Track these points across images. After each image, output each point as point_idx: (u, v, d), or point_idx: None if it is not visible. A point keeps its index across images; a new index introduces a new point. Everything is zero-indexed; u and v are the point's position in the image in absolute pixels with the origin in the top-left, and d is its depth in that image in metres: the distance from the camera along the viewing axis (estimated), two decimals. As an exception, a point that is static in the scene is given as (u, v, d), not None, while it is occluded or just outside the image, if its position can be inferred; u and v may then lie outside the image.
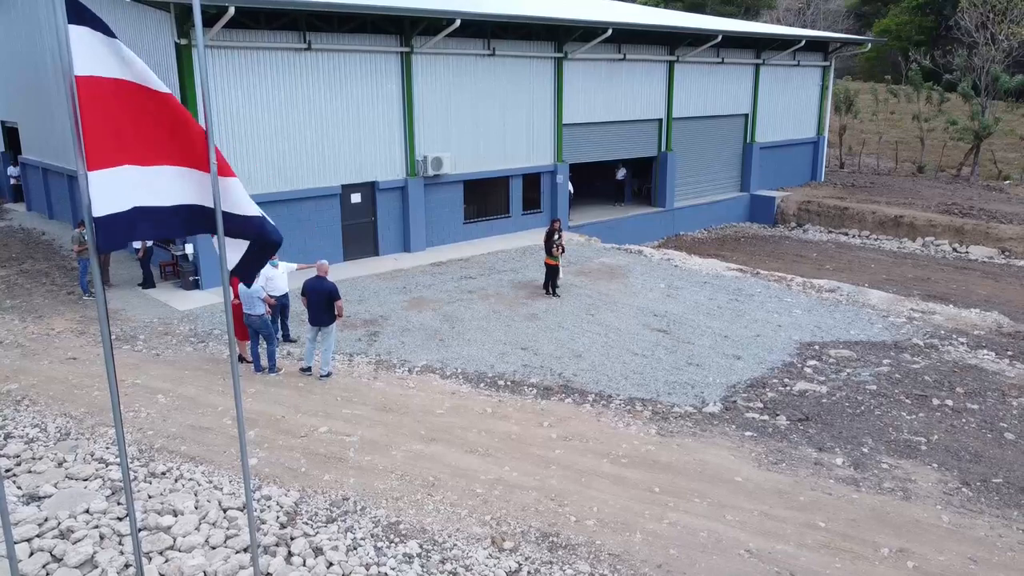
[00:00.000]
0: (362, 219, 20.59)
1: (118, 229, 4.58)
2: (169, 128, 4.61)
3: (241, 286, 12.56)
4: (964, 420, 11.68)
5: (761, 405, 12.14)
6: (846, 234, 29.08)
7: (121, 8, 17.97)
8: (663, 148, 28.07)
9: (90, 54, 4.27)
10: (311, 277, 12.67)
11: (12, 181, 29.60)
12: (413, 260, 20.64)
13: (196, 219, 4.98)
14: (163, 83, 4.77)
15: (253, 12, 17.24)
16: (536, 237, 23.36)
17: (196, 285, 17.82)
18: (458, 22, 19.73)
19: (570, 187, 25.43)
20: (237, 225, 5.12)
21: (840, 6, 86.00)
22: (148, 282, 18.10)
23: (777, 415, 11.74)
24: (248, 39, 17.61)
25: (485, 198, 23.32)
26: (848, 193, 32.39)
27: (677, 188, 28.85)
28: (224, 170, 5.10)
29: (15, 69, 26.01)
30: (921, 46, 70.99)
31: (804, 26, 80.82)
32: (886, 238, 28.22)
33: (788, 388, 12.78)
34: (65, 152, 23.75)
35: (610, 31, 23.35)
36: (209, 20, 16.54)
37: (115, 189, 4.49)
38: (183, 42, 16.57)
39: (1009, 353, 14.77)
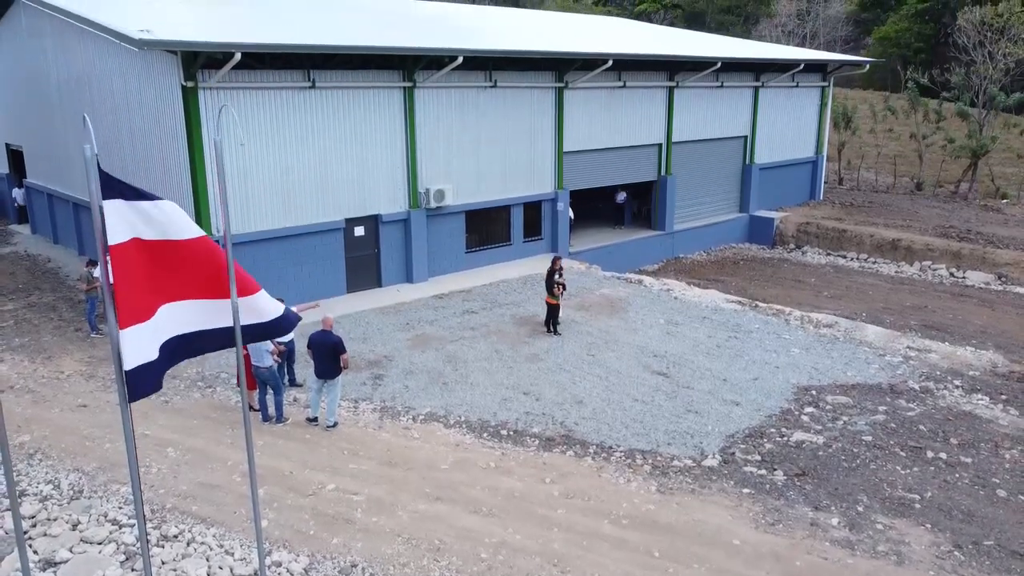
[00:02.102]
0: (365, 251, 20.83)
1: (147, 378, 4.84)
2: (191, 268, 4.93)
3: (249, 337, 12.80)
4: (957, 475, 11.93)
5: (759, 458, 12.39)
6: (844, 257, 29.34)
7: (128, 52, 18.17)
8: (663, 172, 28.32)
9: (120, 223, 4.52)
10: (316, 331, 12.92)
11: (17, 203, 29.81)
12: (415, 292, 20.87)
13: (219, 338, 5.36)
14: (186, 227, 5.05)
15: (259, 54, 17.46)
16: (537, 264, 23.63)
17: (202, 321, 18.03)
18: (460, 59, 19.97)
19: (570, 213, 25.66)
20: (261, 331, 5.71)
21: (840, 12, 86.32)
22: (154, 318, 18.32)
23: (775, 469, 11.99)
24: (253, 79, 17.83)
25: (487, 227, 23.56)
26: (846, 213, 32.63)
27: (677, 211, 29.09)
28: (246, 288, 5.56)
29: (20, 94, 26.26)
30: (920, 53, 71.36)
31: (804, 32, 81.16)
32: (884, 261, 28.46)
33: (785, 439, 13.03)
34: (70, 180, 24.00)
35: (610, 62, 23.58)
36: (216, 63, 16.79)
37: (143, 342, 4.75)
38: (189, 85, 16.79)
39: (1003, 397, 15.03)
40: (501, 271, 23.04)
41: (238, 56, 16.37)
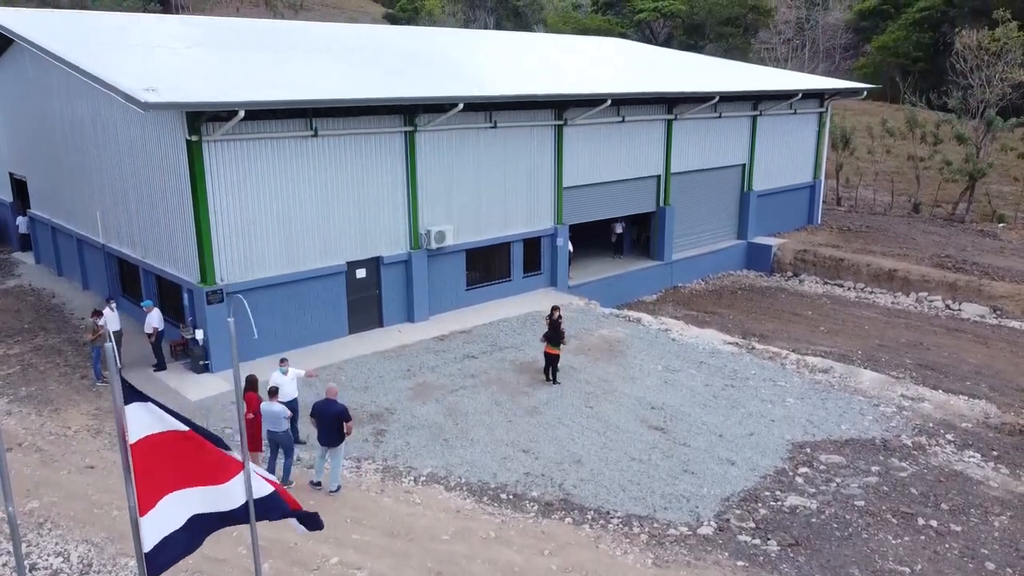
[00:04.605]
0: (367, 293, 21.07)
1: (166, 556, 5.13)
2: (198, 456, 5.21)
3: (265, 405, 13.14)
4: (947, 545, 12.20)
5: (753, 525, 12.65)
6: (841, 286, 29.59)
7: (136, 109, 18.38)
8: (661, 203, 28.57)
9: (140, 423, 4.80)
10: (320, 400, 13.17)
11: (20, 231, 30.07)
12: (416, 332, 21.12)
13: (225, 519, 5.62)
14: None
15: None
16: (537, 300, 23.91)
17: (206, 368, 18.30)
18: (461, 106, 20.22)
19: (569, 246, 25.91)
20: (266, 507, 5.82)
21: (839, 20, 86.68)
22: (160, 364, 18.58)
23: (768, 539, 12.26)
24: (257, 130, 18.06)
25: (487, 264, 23.80)
26: (844, 239, 32.89)
27: (675, 240, 29.35)
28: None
29: (25, 125, 26.51)
30: (919, 62, 71.63)
31: (803, 40, 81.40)
32: (880, 291, 28.72)
33: (780, 503, 13.29)
34: (75, 216, 24.27)
35: (609, 101, 23.84)
36: (220, 117, 17.03)
37: (160, 523, 5.04)
38: (194, 139, 17.03)
39: (994, 453, 15.30)
40: (501, 308, 23.28)
41: (242, 114, 16.63)
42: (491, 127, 22.52)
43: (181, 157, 17.52)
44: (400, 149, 20.77)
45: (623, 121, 26.06)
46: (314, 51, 25.03)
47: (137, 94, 15.62)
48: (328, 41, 27.41)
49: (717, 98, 27.51)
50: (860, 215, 38.59)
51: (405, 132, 20.69)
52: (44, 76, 23.60)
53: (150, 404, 4.95)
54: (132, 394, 4.78)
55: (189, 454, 5.12)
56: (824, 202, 37.57)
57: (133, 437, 4.82)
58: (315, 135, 19.00)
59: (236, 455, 5.72)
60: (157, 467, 4.95)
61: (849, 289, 29.36)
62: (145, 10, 67.27)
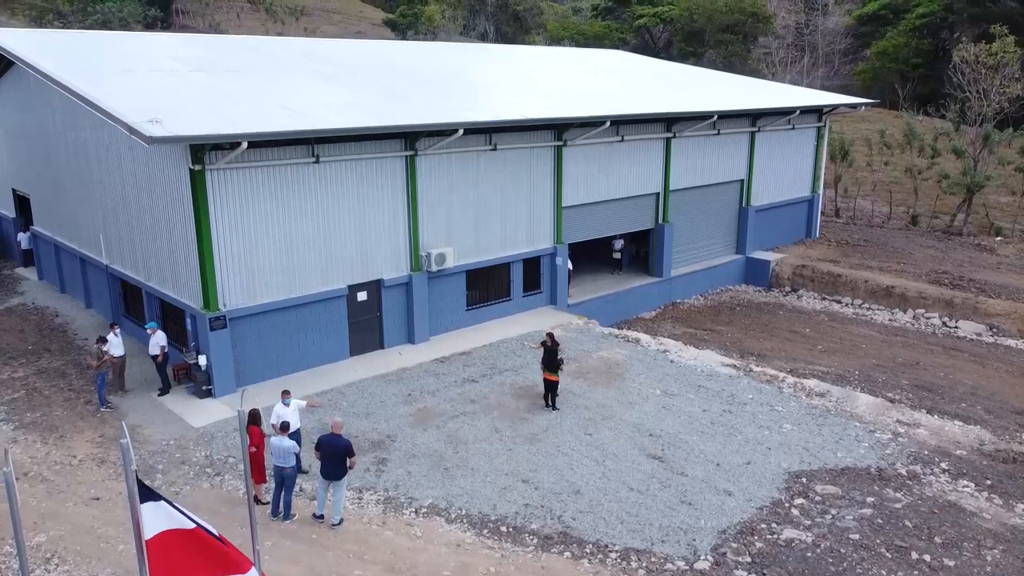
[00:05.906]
0: (368, 315, 21.26)
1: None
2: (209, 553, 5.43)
3: (276, 440, 13.36)
4: (940, 581, 12.40)
5: (749, 559, 12.85)
6: (839, 302, 29.79)
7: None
8: (660, 220, 28.76)
9: (155, 520, 5.00)
10: (326, 434, 13.36)
11: (22, 246, 30.27)
12: (417, 355, 21.30)
13: None
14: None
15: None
16: (536, 320, 24.11)
17: (209, 394, 18.48)
18: (461, 131, 20.41)
19: (569, 264, 26.10)
20: None
21: (838, 25, 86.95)
22: (165, 388, 18.77)
23: (764, 574, 12.44)
24: (259, 157, 18.23)
25: (487, 284, 23.99)
26: (842, 254, 33.08)
27: (674, 256, 29.53)
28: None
29: (28, 143, 26.71)
30: (918, 68, 71.83)
31: (802, 45, 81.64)
32: (878, 308, 28.92)
33: (775, 536, 13.48)
34: (77, 236, 24.46)
35: (608, 123, 24.04)
36: (223, 147, 17.23)
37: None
38: (197, 168, 17.21)
39: (988, 483, 15.49)
40: (502, 328, 23.47)
41: (245, 144, 16.82)
42: (491, 149, 22.71)
43: (184, 185, 17.72)
44: (401, 173, 20.96)
45: (622, 140, 26.25)
46: (315, 73, 25.19)
47: (142, 128, 15.79)
48: (328, 61, 27.57)
49: (716, 116, 27.69)
50: (858, 227, 38.79)
51: (406, 156, 20.88)
52: (47, 95, 23.75)
53: (162, 503, 5.16)
54: (146, 493, 4.98)
55: (201, 551, 5.33)
56: (822, 213, 37.79)
57: (148, 534, 5.03)
58: (317, 161, 19.19)
59: (243, 552, 5.89)
60: (172, 562, 5.16)
61: (847, 305, 29.56)
62: (146, 17, 67.49)
